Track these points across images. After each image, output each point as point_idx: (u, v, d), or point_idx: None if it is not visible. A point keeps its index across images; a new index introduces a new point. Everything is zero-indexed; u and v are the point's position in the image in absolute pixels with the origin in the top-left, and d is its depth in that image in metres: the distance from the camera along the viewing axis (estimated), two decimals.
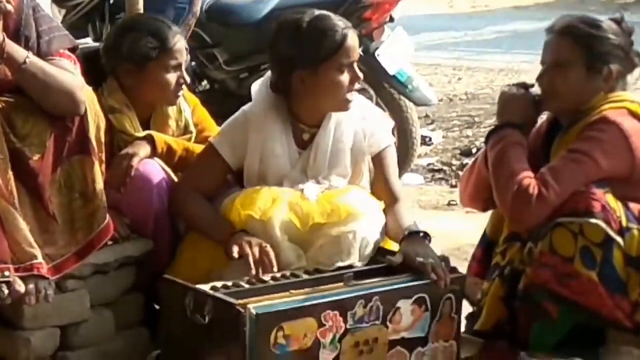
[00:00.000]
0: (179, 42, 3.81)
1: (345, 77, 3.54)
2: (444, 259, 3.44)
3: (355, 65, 3.57)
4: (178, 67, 3.79)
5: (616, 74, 3.51)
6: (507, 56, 11.92)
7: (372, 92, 6.13)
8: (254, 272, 3.36)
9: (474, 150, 7.25)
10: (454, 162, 7.29)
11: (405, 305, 3.29)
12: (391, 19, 6.28)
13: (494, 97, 8.33)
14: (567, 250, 3.30)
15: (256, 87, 3.73)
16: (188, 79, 3.86)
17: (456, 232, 5.27)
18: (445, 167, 7.18)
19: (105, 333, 3.52)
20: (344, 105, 3.60)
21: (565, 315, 3.36)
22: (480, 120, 8.52)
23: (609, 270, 3.30)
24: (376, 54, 6.09)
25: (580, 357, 3.34)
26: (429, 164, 7.19)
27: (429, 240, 3.50)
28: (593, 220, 3.28)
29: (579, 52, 3.49)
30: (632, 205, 3.37)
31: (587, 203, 3.29)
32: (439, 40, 13.19)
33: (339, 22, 3.58)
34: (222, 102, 5.63)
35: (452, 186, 6.67)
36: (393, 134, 5.98)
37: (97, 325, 3.48)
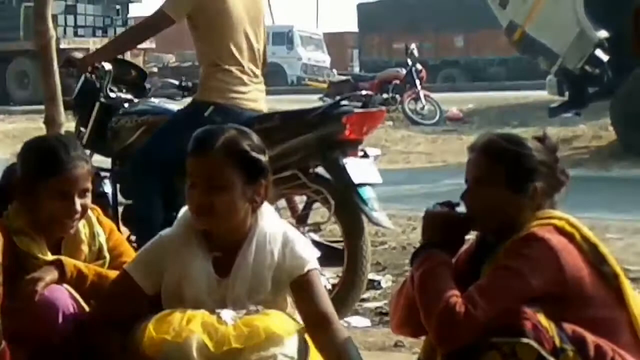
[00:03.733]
0: (76, 169, 3.56)
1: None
2: None
3: None
4: (67, 195, 3.54)
5: (542, 192, 3.37)
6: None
7: (332, 202, 5.95)
8: None
9: None
10: None
11: None
12: (365, 155, 6.15)
13: None
14: None
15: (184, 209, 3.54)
16: (78, 211, 3.57)
17: None
18: None
19: None
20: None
21: None
22: None
23: None
24: (344, 161, 5.95)
25: None
26: (376, 308, 6.95)
27: None
28: (524, 340, 3.08)
29: (500, 169, 3.36)
30: (566, 326, 3.17)
31: (517, 322, 3.10)
32: (395, 193, 13.10)
33: None
34: None
35: None
36: (344, 255, 5.93)
37: None
